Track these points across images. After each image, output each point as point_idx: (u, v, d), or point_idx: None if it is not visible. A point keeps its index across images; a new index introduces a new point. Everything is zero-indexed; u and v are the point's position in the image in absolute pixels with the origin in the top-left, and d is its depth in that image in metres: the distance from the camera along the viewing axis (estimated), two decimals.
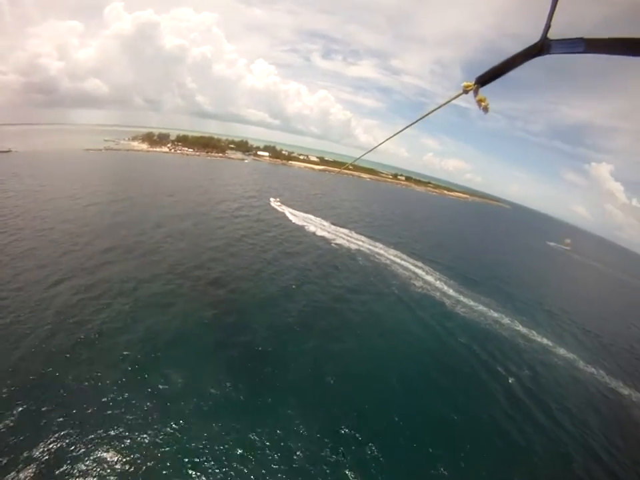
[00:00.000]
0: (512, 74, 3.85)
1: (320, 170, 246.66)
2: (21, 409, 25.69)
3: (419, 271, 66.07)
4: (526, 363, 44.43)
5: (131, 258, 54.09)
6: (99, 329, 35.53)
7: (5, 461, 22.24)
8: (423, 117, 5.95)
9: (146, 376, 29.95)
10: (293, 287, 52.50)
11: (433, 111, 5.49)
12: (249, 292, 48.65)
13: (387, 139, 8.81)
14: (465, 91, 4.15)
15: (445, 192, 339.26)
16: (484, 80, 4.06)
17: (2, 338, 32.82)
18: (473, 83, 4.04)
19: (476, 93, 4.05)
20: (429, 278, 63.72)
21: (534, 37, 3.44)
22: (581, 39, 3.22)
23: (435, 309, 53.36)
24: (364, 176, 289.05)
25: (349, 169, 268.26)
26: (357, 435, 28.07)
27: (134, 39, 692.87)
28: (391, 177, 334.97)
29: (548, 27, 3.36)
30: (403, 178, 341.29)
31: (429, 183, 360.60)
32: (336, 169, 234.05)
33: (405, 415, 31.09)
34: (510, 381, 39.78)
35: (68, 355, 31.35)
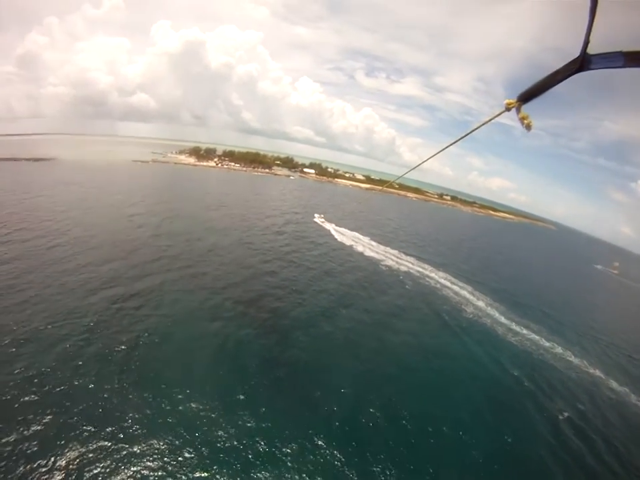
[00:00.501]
0: (554, 90, 3.81)
1: (366, 188, 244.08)
2: (48, 417, 25.00)
3: (470, 296, 62.40)
4: (577, 398, 40.63)
5: (172, 270, 53.31)
6: (136, 342, 34.63)
7: (27, 470, 21.59)
8: (466, 135, 6.12)
9: (182, 395, 28.54)
10: (339, 308, 50.01)
11: (475, 128, 5.78)
12: (293, 311, 46.70)
13: (431, 157, 9.42)
14: (507, 109, 4.18)
15: (491, 212, 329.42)
16: (526, 97, 4.04)
17: (36, 341, 32.49)
18: (515, 100, 4.05)
19: (518, 110, 4.06)
20: (480, 303, 60.10)
21: (575, 50, 3.43)
22: (620, 52, 3.17)
23: (487, 337, 49.78)
24: (410, 195, 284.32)
25: (395, 188, 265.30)
26: (399, 470, 25.87)
27: (181, 56, 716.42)
28: (436, 196, 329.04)
29: (587, 42, 3.31)
30: (449, 198, 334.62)
31: (474, 202, 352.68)
32: (381, 187, 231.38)
33: (450, 451, 28.65)
34: (560, 417, 36.24)
35: (101, 366, 30.48)
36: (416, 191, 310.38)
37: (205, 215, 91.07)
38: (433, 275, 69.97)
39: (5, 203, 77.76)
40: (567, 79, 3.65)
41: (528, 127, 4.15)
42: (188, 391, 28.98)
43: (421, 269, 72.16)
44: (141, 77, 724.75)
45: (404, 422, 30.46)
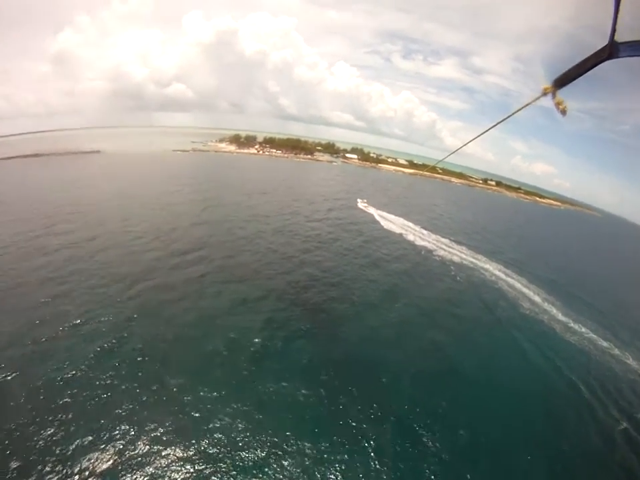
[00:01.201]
0: (595, 72, 3.88)
1: (410, 173, 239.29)
2: (90, 410, 25.05)
3: (525, 289, 58.65)
4: (635, 406, 36.72)
5: (214, 260, 52.51)
6: (178, 334, 34.08)
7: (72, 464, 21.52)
8: (506, 118, 6.43)
9: (228, 398, 27.36)
10: (389, 301, 47.30)
11: (514, 112, 6.11)
12: (342, 304, 44.66)
13: (472, 140, 9.80)
14: (544, 94, 4.37)
15: (537, 199, 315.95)
16: (560, 83, 4.22)
17: (76, 332, 32.73)
18: (551, 85, 4.26)
19: (554, 95, 4.26)
20: (536, 298, 56.55)
21: (609, 27, 3.48)
22: None
23: (544, 336, 46.09)
24: (454, 180, 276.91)
25: (439, 173, 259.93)
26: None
27: (214, 46, 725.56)
28: (481, 181, 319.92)
29: (614, 30, 3.40)
30: (494, 183, 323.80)
31: (519, 188, 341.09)
32: (426, 173, 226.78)
33: (501, 460, 26.71)
34: (617, 428, 32.71)
35: (142, 359, 30.21)
36: (460, 175, 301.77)
37: (248, 202, 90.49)
38: (486, 266, 66.06)
39: (52, 196, 80.00)
40: (598, 66, 3.72)
41: (563, 112, 4.31)
42: (234, 393, 27.82)
43: (473, 260, 68.41)
44: (176, 67, 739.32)
45: (454, 425, 28.65)
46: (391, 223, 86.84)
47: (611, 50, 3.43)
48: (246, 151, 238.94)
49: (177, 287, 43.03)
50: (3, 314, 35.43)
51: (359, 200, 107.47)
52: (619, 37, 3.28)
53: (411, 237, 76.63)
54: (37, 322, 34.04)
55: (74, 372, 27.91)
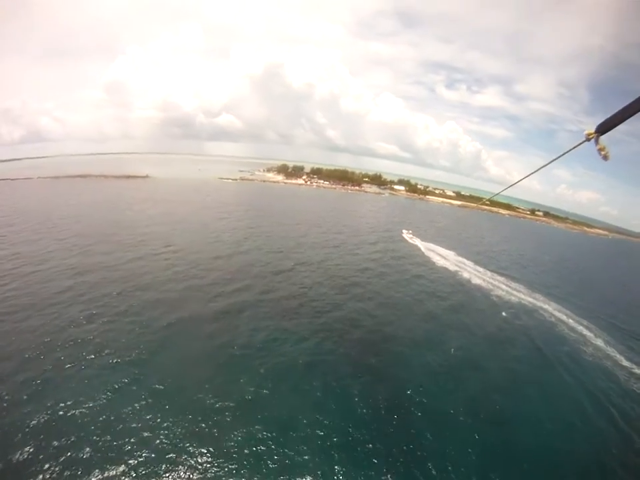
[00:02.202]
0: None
1: (458, 205, 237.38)
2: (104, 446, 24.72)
3: (586, 332, 56.13)
4: None
5: (256, 292, 51.16)
6: (210, 375, 32.40)
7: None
8: (553, 161, 6.86)
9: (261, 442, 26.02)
10: (452, 350, 43.72)
11: (562, 155, 6.69)
12: (394, 343, 42.48)
13: (526, 177, 9.90)
14: (587, 139, 4.46)
15: (585, 228, 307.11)
16: (604, 129, 4.27)
17: (95, 361, 32.74)
18: (594, 131, 4.34)
19: (597, 141, 4.34)
20: (599, 342, 54.38)
21: None
22: None
23: (608, 384, 42.83)
24: (502, 212, 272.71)
25: (487, 205, 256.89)
26: None
27: (262, 78, 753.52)
28: (528, 212, 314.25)
29: None
30: (541, 214, 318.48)
31: (567, 218, 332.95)
32: (473, 204, 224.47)
33: None
34: None
35: (165, 401, 28.75)
36: (507, 207, 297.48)
37: (294, 232, 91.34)
38: (545, 306, 63.32)
39: (95, 216, 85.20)
40: None
41: (605, 158, 4.40)
42: (271, 446, 25.83)
43: (531, 299, 65.52)
44: (226, 98, 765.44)
45: None
46: (442, 257, 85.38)
47: None
48: (293, 181, 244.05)
49: (212, 320, 42.03)
50: (23, 334, 36.36)
51: (404, 231, 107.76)
52: None
53: (466, 275, 74.49)
54: (59, 345, 34.61)
55: (90, 403, 27.59)
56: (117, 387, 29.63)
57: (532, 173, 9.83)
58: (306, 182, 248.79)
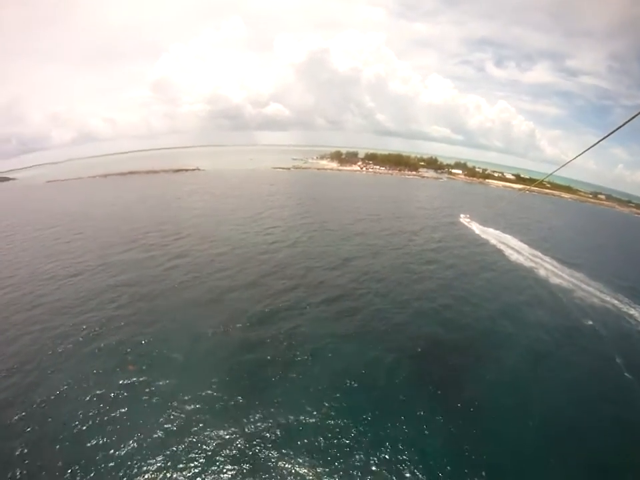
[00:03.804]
0: None
1: (519, 189, 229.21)
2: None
3: None
4: None
5: (312, 302, 46.99)
6: (266, 410, 29.33)
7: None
8: (612, 133, 6.40)
9: None
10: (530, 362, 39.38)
11: (617, 128, 6.45)
12: (477, 374, 36.58)
13: (580, 154, 9.22)
14: None
15: None
16: None
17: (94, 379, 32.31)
18: None
19: None
20: None
21: None
22: None
23: None
24: (564, 195, 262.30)
25: (548, 187, 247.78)
26: None
27: (307, 65, 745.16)
28: (591, 195, 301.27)
29: None
30: (604, 197, 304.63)
31: (630, 202, 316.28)
32: (534, 188, 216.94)
33: None
34: None
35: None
36: (569, 190, 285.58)
37: (354, 227, 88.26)
38: (631, 312, 56.96)
39: (143, 213, 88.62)
40: None
41: None
42: None
43: (615, 301, 59.16)
44: (272, 88, 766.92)
45: None
46: (517, 252, 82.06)
47: None
48: (348, 168, 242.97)
49: (262, 342, 37.92)
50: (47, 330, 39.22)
51: (467, 220, 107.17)
52: None
53: (542, 272, 69.85)
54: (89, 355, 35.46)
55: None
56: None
57: (586, 150, 9.17)
58: (362, 168, 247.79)
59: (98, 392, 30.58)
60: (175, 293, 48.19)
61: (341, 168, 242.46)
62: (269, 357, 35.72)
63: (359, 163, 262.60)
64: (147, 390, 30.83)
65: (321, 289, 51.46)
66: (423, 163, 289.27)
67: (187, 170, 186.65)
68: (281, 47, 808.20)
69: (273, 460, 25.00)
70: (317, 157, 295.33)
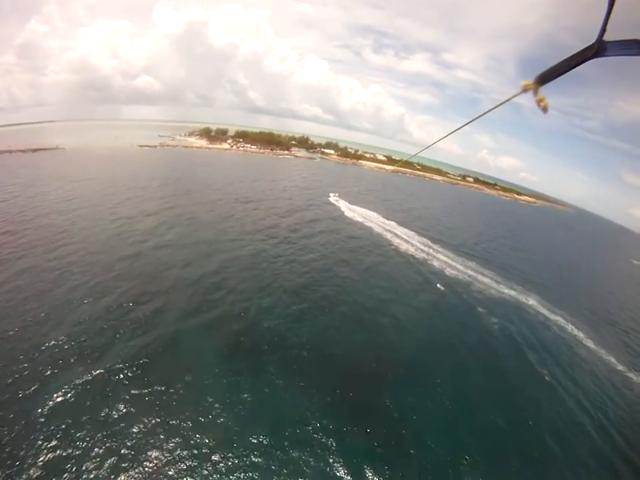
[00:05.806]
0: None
1: (391, 170, 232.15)
2: None
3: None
4: None
5: (185, 312, 38.60)
6: None
7: None
8: (482, 115, 6.67)
9: None
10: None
11: (491, 109, 6.13)
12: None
13: (445, 136, 10.80)
14: (524, 90, 4.27)
15: (515, 196, 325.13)
16: (543, 79, 4.16)
17: None
18: (532, 82, 4.19)
19: (535, 92, 4.20)
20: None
21: (591, 31, 3.67)
22: (635, 40, 3.34)
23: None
24: (436, 177, 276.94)
25: (418, 169, 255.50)
26: None
27: (183, 37, 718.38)
28: (459, 178, 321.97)
29: (603, 30, 3.48)
30: (472, 180, 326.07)
31: (496, 185, 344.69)
32: (408, 170, 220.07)
33: None
34: None
35: None
36: (439, 172, 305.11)
37: (228, 212, 77.46)
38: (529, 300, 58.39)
39: None
40: (583, 64, 3.74)
41: (544, 109, 4.22)
42: None
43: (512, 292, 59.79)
44: (145, 59, 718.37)
45: None
46: (398, 237, 78.48)
47: (599, 48, 3.47)
48: (218, 146, 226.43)
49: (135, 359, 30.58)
50: None
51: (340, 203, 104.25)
52: (607, 37, 3.41)
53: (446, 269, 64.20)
54: None
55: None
56: None
57: (451, 133, 9.96)
58: (232, 146, 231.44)
59: None
60: None
61: (210, 146, 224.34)
62: None
63: (229, 141, 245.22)
64: None
65: (185, 296, 42.25)
66: (294, 142, 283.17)
67: (46, 149, 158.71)
68: (159, 16, 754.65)
69: None
70: (186, 134, 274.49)
